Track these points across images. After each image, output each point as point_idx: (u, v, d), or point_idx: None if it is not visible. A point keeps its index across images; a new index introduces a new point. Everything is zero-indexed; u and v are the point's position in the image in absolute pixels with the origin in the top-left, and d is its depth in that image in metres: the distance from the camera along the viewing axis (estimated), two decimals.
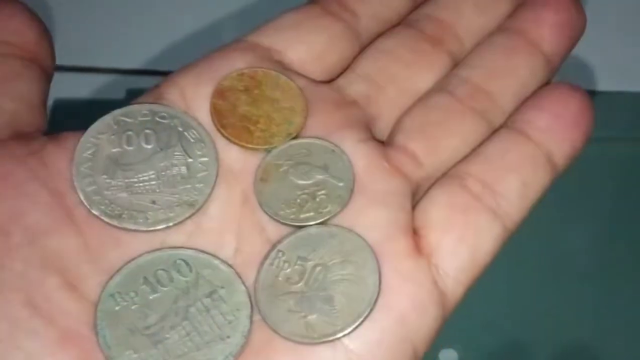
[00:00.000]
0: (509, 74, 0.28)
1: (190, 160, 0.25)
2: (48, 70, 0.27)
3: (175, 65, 0.27)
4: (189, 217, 0.25)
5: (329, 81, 0.28)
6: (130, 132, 0.25)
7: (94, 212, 0.24)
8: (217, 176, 0.25)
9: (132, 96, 0.26)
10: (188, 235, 0.25)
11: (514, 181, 0.26)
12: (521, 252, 0.33)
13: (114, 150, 0.25)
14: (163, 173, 0.25)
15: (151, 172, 0.25)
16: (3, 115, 0.25)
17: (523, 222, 0.26)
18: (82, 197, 0.24)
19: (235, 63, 0.27)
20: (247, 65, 0.27)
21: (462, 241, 0.25)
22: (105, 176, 0.25)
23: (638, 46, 0.40)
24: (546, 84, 0.28)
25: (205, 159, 0.25)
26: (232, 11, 0.43)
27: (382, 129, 0.28)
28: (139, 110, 0.26)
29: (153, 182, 0.25)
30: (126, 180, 0.25)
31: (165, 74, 0.27)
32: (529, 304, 0.37)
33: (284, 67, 0.27)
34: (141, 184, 0.25)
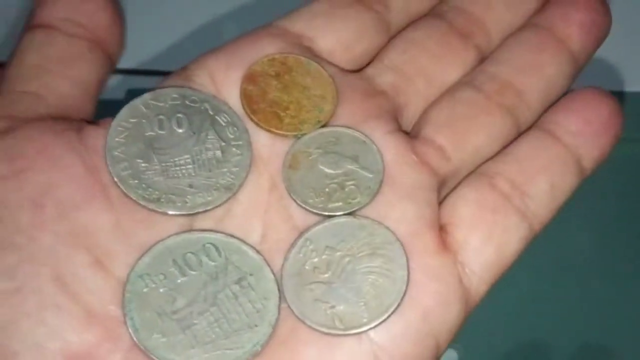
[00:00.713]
0: (536, 71, 0.28)
1: (224, 144, 0.25)
2: (113, 57, 0.26)
3: (175, 65, 0.27)
4: (226, 200, 0.24)
5: (357, 71, 0.28)
6: (161, 116, 0.25)
7: (131, 196, 0.24)
8: (251, 160, 0.25)
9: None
10: (217, 219, 0.25)
11: (543, 183, 0.26)
12: (522, 253, 0.34)
13: (148, 134, 0.25)
14: (198, 157, 0.25)
15: (186, 156, 0.25)
16: (53, 95, 0.25)
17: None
18: (117, 182, 0.24)
19: (265, 48, 0.27)
20: (277, 51, 0.27)
21: (489, 240, 0.25)
22: (140, 160, 0.24)
23: (638, 46, 0.41)
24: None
25: (239, 142, 0.25)
26: (232, 11, 0.42)
27: (408, 120, 0.28)
28: (168, 94, 0.26)
29: (189, 166, 0.25)
30: (162, 164, 0.25)
31: (165, 73, 0.26)
32: (529, 304, 0.38)
33: (313, 54, 0.27)
34: (177, 168, 0.25)
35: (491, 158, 0.27)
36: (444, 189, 0.26)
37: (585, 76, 0.29)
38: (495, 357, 0.37)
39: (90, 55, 0.26)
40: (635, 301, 0.38)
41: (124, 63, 0.28)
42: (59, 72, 0.25)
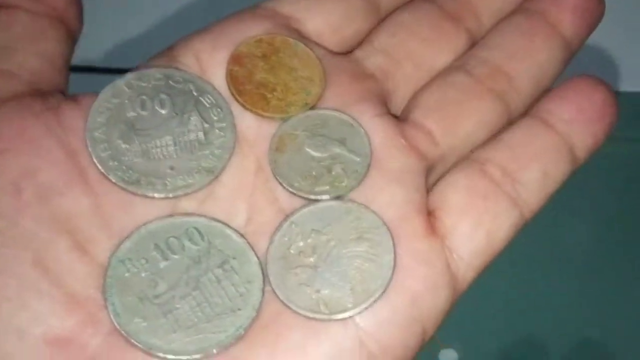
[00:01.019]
0: (528, 56, 0.27)
1: (207, 125, 0.25)
2: (74, 32, 0.26)
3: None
4: (208, 183, 0.24)
5: (345, 53, 0.28)
6: (144, 97, 0.25)
7: (111, 178, 0.23)
8: (235, 142, 0.25)
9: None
10: (200, 201, 0.24)
11: (534, 170, 0.25)
12: (521, 251, 0.33)
13: (129, 114, 0.24)
14: (180, 139, 0.24)
15: (168, 138, 0.24)
16: (25, 72, 0.24)
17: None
18: (97, 163, 0.23)
19: (253, 29, 0.26)
20: (264, 32, 0.26)
21: (479, 226, 0.25)
22: (120, 141, 0.24)
23: (638, 46, 0.40)
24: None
25: (223, 124, 0.25)
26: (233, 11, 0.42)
27: (397, 104, 0.27)
28: (152, 74, 0.25)
29: (170, 148, 0.24)
30: (143, 146, 0.24)
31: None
32: (529, 304, 0.37)
33: (301, 36, 0.27)
34: (158, 150, 0.24)
35: (482, 144, 0.26)
36: (432, 174, 0.26)
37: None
38: (495, 356, 0.37)
39: (52, 31, 0.25)
40: (634, 299, 0.37)
41: (124, 63, 0.28)
42: (27, 49, 0.25)
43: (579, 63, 0.29)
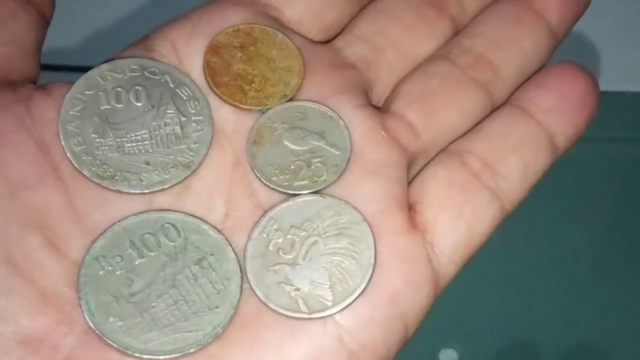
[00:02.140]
0: (512, 45, 0.27)
1: (184, 119, 0.24)
2: (46, 15, 0.25)
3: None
4: (185, 178, 0.23)
5: (326, 42, 0.27)
6: (119, 89, 0.24)
7: (84, 173, 0.23)
8: (212, 136, 0.24)
9: None
10: (176, 196, 0.24)
11: (515, 161, 0.25)
12: (521, 251, 0.33)
13: (104, 107, 0.24)
14: (156, 132, 0.24)
15: (143, 131, 0.24)
16: None
17: (520, 205, 0.25)
18: (70, 158, 0.23)
19: (231, 18, 0.26)
20: (243, 21, 0.26)
21: (459, 219, 0.24)
22: (94, 135, 0.23)
23: (638, 46, 0.40)
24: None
25: (200, 117, 0.24)
26: None
27: (379, 94, 0.27)
28: (127, 64, 0.24)
29: (146, 142, 0.24)
30: (117, 140, 0.23)
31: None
32: (529, 304, 0.37)
33: (280, 25, 0.26)
34: (133, 144, 0.23)
35: (463, 135, 0.26)
36: (413, 167, 0.26)
37: None
38: (495, 357, 0.36)
39: (21, 13, 0.24)
40: (634, 299, 0.37)
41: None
42: None
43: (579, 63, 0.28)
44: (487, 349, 0.36)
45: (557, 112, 0.25)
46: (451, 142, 0.26)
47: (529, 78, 0.27)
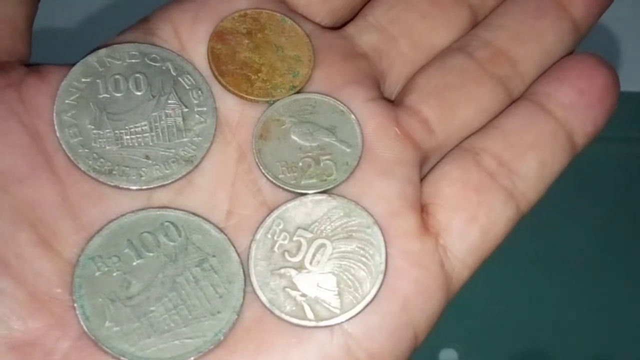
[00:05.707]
0: (534, 39, 0.25)
1: (186, 110, 0.23)
2: None
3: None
4: (187, 174, 0.22)
5: (337, 28, 0.26)
6: (118, 76, 0.23)
7: (80, 167, 0.21)
8: (215, 128, 0.23)
9: None
10: (177, 192, 0.22)
11: (532, 160, 0.24)
12: (521, 251, 0.32)
13: (101, 96, 0.22)
14: (156, 124, 0.22)
15: (143, 123, 0.22)
16: None
17: (535, 206, 0.24)
18: (65, 150, 0.21)
19: (237, 2, 0.24)
20: (250, 5, 0.24)
21: (473, 222, 0.23)
22: (91, 126, 0.22)
23: (638, 46, 0.39)
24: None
25: (203, 108, 0.23)
26: None
27: (391, 85, 0.25)
28: (127, 50, 0.23)
29: (146, 135, 0.22)
30: (115, 132, 0.22)
31: None
32: (529, 304, 0.37)
33: (288, 9, 0.25)
34: (132, 136, 0.22)
35: (477, 131, 0.24)
36: (426, 165, 0.24)
37: None
38: (495, 357, 0.36)
39: None
40: (634, 299, 0.37)
41: None
42: None
43: None
44: (487, 349, 0.36)
45: (577, 109, 0.24)
46: (465, 139, 0.25)
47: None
